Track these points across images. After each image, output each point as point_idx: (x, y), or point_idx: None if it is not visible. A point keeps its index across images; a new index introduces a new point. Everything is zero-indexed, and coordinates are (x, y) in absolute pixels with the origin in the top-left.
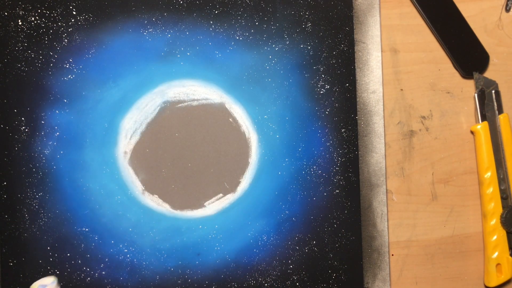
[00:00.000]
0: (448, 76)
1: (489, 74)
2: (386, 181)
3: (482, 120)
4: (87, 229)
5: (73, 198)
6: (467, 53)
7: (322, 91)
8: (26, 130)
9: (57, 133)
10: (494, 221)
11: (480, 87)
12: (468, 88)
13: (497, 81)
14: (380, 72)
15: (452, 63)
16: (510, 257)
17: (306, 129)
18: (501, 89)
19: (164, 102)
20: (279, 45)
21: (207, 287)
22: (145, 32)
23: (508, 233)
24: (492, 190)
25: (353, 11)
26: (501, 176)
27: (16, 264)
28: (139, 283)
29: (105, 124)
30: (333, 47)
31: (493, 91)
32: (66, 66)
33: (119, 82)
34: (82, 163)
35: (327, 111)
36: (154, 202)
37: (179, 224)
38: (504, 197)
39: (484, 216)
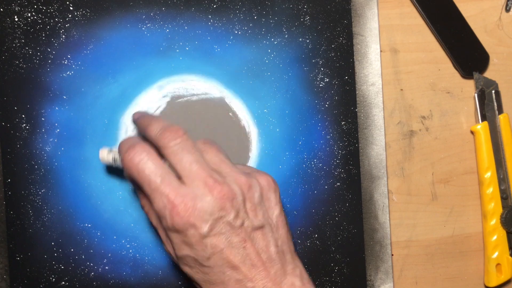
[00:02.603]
0: (448, 76)
1: (489, 74)
2: (387, 173)
3: (482, 120)
4: (89, 225)
5: (75, 195)
6: (467, 53)
7: (322, 84)
8: (27, 127)
9: (58, 130)
10: (494, 221)
11: (480, 87)
12: (468, 88)
13: (497, 81)
14: (379, 65)
15: (452, 63)
16: (510, 257)
17: (306, 122)
18: (501, 89)
19: (164, 97)
20: (278, 38)
21: None
22: (144, 27)
23: (508, 233)
24: (492, 190)
25: (351, 4)
26: (501, 176)
27: (23, 259)
28: (142, 277)
29: (105, 120)
30: (332, 40)
31: (493, 91)
32: (64, 62)
33: (118, 78)
34: (83, 160)
35: (327, 104)
36: None
37: None
38: (504, 197)
39: (484, 216)
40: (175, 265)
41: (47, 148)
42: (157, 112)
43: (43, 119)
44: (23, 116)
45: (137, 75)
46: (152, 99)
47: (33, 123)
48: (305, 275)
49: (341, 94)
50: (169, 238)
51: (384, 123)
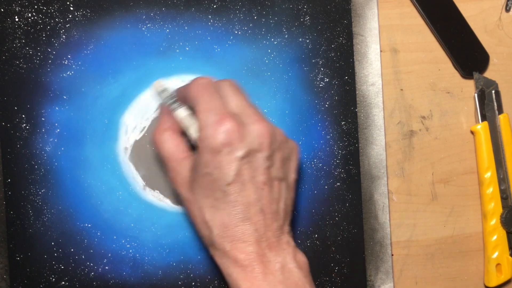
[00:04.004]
0: (448, 76)
1: (489, 74)
2: (387, 172)
3: (482, 120)
4: (89, 225)
5: (75, 194)
6: (467, 53)
7: (322, 84)
8: (27, 127)
9: (58, 130)
10: (494, 221)
11: (480, 87)
12: (468, 88)
13: (497, 81)
14: (379, 65)
15: (452, 63)
16: (510, 257)
17: (306, 122)
18: (501, 89)
19: None
20: (278, 39)
21: (209, 282)
22: (144, 27)
23: (508, 233)
24: (492, 190)
25: (351, 4)
26: (501, 176)
27: (23, 259)
28: (141, 278)
29: (105, 120)
30: (332, 40)
31: (493, 91)
32: (64, 63)
33: (118, 78)
34: (83, 160)
35: (327, 104)
36: (155, 198)
37: (181, 219)
38: (504, 197)
39: (484, 216)
40: (175, 265)
41: (47, 148)
42: (157, 112)
43: (43, 119)
44: (23, 116)
45: (137, 75)
46: (153, 99)
47: (33, 123)
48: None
49: (341, 94)
50: (195, 159)
51: (384, 123)
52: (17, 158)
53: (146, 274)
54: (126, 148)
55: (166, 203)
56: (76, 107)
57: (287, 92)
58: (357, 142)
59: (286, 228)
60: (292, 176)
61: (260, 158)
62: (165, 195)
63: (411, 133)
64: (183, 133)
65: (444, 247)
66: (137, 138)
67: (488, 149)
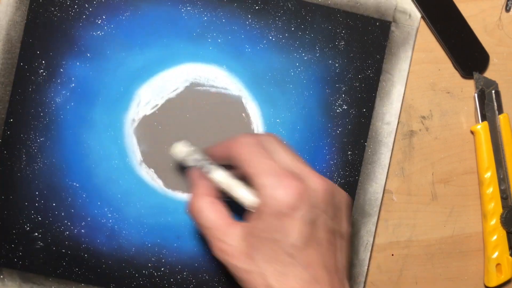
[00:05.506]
0: (448, 76)
1: (489, 74)
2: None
3: (482, 120)
4: (77, 185)
5: (72, 151)
6: (467, 53)
7: (339, 110)
8: (44, 73)
9: (73, 85)
10: (494, 221)
11: (480, 87)
12: (468, 88)
13: (497, 81)
14: (399, 106)
15: (452, 63)
16: (510, 257)
17: (314, 142)
18: (501, 89)
19: (184, 81)
20: (309, 55)
21: (178, 271)
22: (183, 8)
23: (508, 233)
24: (492, 190)
25: (388, 41)
26: (501, 176)
27: (3, 199)
28: (114, 250)
29: (121, 88)
30: (360, 70)
31: (493, 91)
32: (98, 22)
33: (145, 51)
34: (89, 120)
35: (339, 130)
36: (148, 176)
37: (167, 203)
38: (504, 197)
39: (484, 216)
40: (149, 246)
41: (58, 99)
42: (174, 94)
43: (61, 70)
44: (43, 61)
45: (163, 53)
46: (172, 79)
47: (50, 71)
48: None
49: (355, 124)
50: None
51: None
52: (25, 100)
53: (119, 247)
54: (133, 120)
55: (158, 184)
56: (96, 68)
57: (303, 108)
58: (358, 175)
59: (346, 283)
60: (345, 227)
61: (322, 216)
62: (159, 176)
63: (411, 133)
64: (219, 196)
65: (444, 247)
66: (147, 113)
67: (488, 149)
